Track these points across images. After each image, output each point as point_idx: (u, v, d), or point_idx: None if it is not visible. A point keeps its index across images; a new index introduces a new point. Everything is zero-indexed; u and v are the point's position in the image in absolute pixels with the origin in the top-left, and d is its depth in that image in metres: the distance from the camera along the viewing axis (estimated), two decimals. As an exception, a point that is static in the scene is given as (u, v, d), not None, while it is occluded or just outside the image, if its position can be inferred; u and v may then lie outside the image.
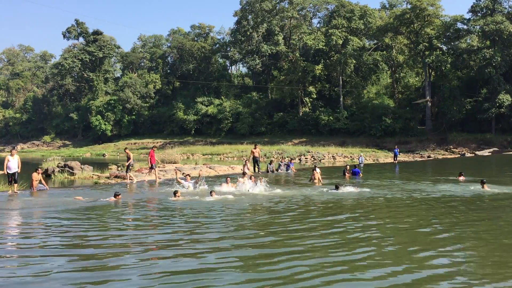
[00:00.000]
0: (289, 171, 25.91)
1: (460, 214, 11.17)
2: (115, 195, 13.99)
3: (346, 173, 22.81)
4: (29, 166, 24.75)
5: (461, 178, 19.43)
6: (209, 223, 10.02)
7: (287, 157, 39.37)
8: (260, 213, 11.62)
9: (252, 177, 17.68)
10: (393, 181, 19.69)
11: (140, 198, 14.84)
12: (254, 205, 12.90)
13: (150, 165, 20.65)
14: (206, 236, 8.56)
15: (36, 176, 16.92)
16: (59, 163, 27.75)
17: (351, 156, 46.72)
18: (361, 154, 38.29)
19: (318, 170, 24.20)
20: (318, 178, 18.55)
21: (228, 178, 17.67)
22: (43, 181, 17.47)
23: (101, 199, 14.19)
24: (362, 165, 30.30)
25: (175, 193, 14.20)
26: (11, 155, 16.34)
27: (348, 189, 15.88)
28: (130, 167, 21.28)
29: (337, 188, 15.69)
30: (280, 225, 9.76)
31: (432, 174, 23.56)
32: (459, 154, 47.44)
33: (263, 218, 10.92)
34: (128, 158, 20.88)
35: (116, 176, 23.88)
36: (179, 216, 11.28)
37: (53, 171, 26.06)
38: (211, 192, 14.56)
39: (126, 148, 22.91)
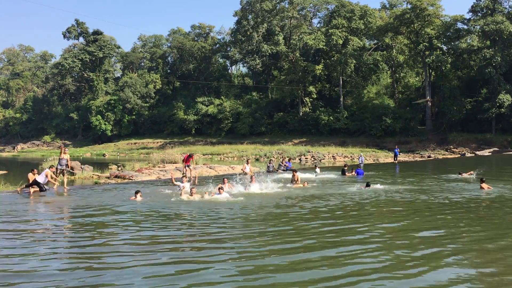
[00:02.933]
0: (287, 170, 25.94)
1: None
2: (136, 193, 13.98)
3: (347, 173, 22.94)
4: (29, 166, 24.75)
5: (464, 175, 20.66)
6: (230, 226, 9.66)
7: (287, 157, 39.45)
8: (273, 215, 11.55)
9: (253, 177, 17.63)
10: (402, 180, 19.86)
11: (151, 198, 14.43)
12: (268, 205, 12.75)
13: (184, 165, 20.90)
14: (235, 244, 8.13)
15: (32, 177, 16.83)
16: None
17: (351, 156, 46.73)
18: (361, 154, 38.33)
19: (318, 170, 24.47)
20: (298, 179, 18.80)
21: (225, 179, 17.56)
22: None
23: (128, 198, 14.23)
24: (362, 165, 30.33)
25: (190, 190, 14.02)
26: None
27: (378, 187, 16.60)
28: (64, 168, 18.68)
29: (368, 185, 16.58)
30: (313, 229, 9.35)
31: (444, 173, 23.52)
32: (459, 154, 47.43)
33: (277, 219, 10.86)
34: (65, 160, 18.50)
35: (116, 176, 23.89)
36: (189, 218, 11.23)
37: (53, 171, 26.01)
38: (219, 188, 14.45)
39: (61, 146, 20.37)
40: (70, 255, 7.53)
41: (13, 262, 6.95)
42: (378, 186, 16.99)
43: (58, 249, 7.82)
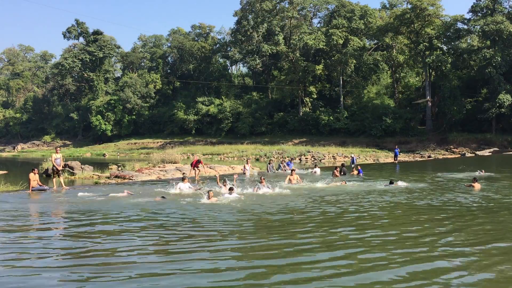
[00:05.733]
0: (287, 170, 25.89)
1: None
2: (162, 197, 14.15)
3: (354, 171, 23.31)
4: (29, 166, 24.74)
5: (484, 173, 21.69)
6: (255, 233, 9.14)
7: (288, 157, 39.51)
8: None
9: (262, 178, 17.20)
10: (417, 178, 19.97)
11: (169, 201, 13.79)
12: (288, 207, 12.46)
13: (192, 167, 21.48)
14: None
15: (33, 177, 16.79)
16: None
17: (351, 156, 46.67)
18: (353, 154, 38.61)
19: (318, 169, 24.48)
20: (297, 178, 18.85)
21: (225, 182, 17.50)
22: (38, 181, 17.29)
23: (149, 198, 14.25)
24: (353, 166, 29.99)
25: (208, 193, 13.48)
26: None
27: (403, 185, 17.02)
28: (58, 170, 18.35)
29: (391, 183, 17.02)
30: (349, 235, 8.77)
31: (463, 171, 23.75)
32: (459, 154, 47.43)
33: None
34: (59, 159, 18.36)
35: (116, 176, 23.89)
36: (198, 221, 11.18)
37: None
38: (230, 189, 14.30)
39: (58, 147, 20.34)
40: (64, 264, 6.99)
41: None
42: (401, 184, 17.38)
43: (53, 258, 7.28)
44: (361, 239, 8.36)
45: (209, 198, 13.17)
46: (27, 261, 7.03)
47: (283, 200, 13.72)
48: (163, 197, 14.07)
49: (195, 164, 22.71)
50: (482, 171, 21.84)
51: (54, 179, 18.30)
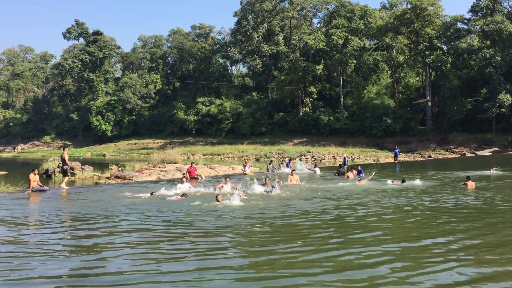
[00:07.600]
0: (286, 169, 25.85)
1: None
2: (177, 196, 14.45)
3: (354, 171, 23.13)
4: (29, 167, 24.72)
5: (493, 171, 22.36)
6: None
7: (287, 157, 39.53)
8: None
9: (267, 179, 16.98)
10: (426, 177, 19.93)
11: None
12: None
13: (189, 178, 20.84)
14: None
15: (33, 177, 16.76)
16: (60, 163, 27.68)
17: (351, 156, 46.71)
18: (345, 155, 38.72)
19: (318, 169, 24.50)
20: (296, 179, 18.84)
21: (228, 179, 17.58)
22: (38, 182, 17.28)
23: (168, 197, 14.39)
24: (346, 166, 29.78)
25: (216, 197, 13.24)
26: None
27: (415, 183, 17.54)
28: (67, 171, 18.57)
29: (403, 181, 17.66)
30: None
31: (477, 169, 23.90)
32: (459, 154, 47.41)
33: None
34: (63, 161, 18.40)
35: (116, 176, 23.87)
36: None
37: (54, 172, 26.03)
38: (243, 190, 14.32)
39: (65, 147, 20.44)
40: (63, 270, 6.62)
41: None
42: (418, 182, 17.77)
43: (52, 264, 6.92)
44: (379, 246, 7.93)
45: (217, 200, 13.11)
46: (24, 267, 6.77)
47: (292, 202, 13.52)
48: (184, 194, 14.41)
49: (192, 173, 21.92)
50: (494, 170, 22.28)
51: (65, 178, 18.33)
